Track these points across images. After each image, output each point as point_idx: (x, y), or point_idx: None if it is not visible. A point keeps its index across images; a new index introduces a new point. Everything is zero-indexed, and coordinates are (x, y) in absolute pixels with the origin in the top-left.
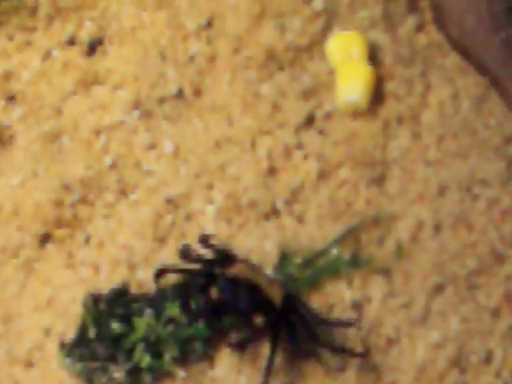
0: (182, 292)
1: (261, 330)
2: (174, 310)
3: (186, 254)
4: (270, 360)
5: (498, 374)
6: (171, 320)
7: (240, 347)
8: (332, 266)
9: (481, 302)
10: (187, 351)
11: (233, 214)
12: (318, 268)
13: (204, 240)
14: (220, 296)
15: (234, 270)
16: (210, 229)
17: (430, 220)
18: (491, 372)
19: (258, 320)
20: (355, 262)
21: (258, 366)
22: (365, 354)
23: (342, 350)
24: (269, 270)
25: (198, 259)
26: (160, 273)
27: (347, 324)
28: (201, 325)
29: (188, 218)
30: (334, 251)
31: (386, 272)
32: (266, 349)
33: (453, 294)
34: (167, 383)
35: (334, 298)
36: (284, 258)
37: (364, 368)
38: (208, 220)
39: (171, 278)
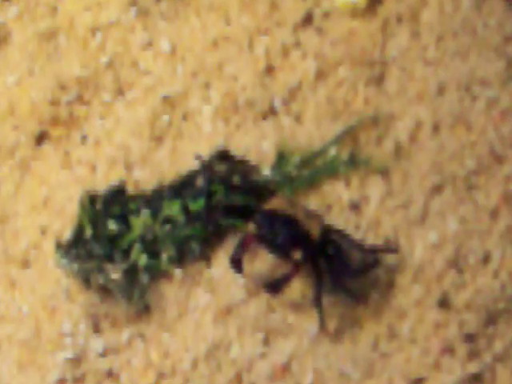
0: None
1: (299, 264)
2: (171, 209)
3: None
4: (318, 293)
5: (495, 274)
6: (168, 220)
7: (276, 289)
8: (330, 165)
9: (479, 202)
10: (184, 251)
11: (230, 114)
12: (316, 168)
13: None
14: (257, 231)
15: (271, 204)
16: (207, 128)
17: (429, 120)
18: (489, 273)
19: (297, 255)
20: (353, 161)
21: (256, 265)
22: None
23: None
24: (266, 170)
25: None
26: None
27: (390, 250)
28: (198, 225)
29: (185, 117)
30: (332, 151)
31: (385, 172)
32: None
33: (451, 195)
34: (164, 283)
35: (331, 198)
36: (281, 157)
37: None
38: (205, 119)
39: (168, 178)
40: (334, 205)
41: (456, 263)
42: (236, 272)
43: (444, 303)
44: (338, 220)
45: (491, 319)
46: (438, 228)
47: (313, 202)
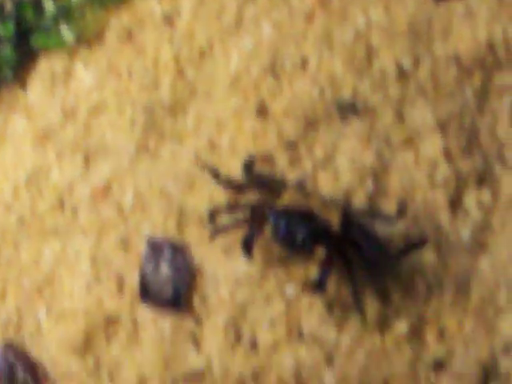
0: None
1: (328, 260)
2: None
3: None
4: (354, 285)
5: (313, 79)
6: None
7: (322, 287)
8: None
9: (294, 5)
10: None
11: None
12: None
13: (249, 167)
14: (274, 234)
15: (283, 200)
16: None
17: None
18: (307, 77)
19: (320, 252)
20: None
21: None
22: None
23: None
24: None
25: (242, 188)
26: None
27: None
28: (8, 49)
29: None
30: None
31: None
32: None
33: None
34: None
35: (144, 13)
36: None
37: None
38: None
39: None
40: (147, 20)
41: (273, 69)
42: (244, 255)
43: (262, 112)
44: (152, 35)
45: (311, 125)
46: (253, 35)
47: (125, 19)
